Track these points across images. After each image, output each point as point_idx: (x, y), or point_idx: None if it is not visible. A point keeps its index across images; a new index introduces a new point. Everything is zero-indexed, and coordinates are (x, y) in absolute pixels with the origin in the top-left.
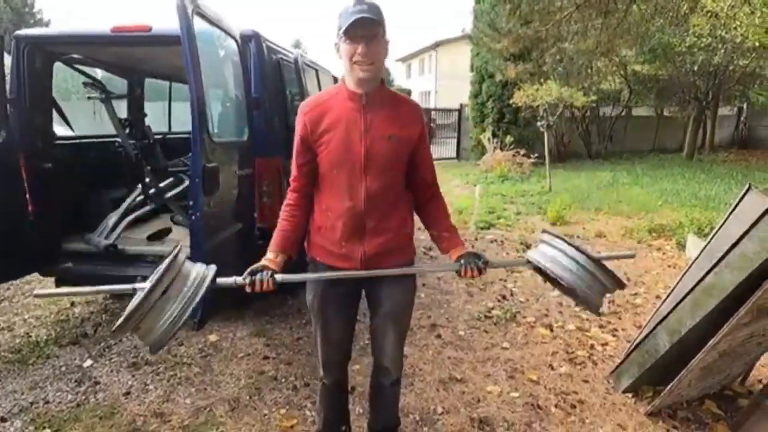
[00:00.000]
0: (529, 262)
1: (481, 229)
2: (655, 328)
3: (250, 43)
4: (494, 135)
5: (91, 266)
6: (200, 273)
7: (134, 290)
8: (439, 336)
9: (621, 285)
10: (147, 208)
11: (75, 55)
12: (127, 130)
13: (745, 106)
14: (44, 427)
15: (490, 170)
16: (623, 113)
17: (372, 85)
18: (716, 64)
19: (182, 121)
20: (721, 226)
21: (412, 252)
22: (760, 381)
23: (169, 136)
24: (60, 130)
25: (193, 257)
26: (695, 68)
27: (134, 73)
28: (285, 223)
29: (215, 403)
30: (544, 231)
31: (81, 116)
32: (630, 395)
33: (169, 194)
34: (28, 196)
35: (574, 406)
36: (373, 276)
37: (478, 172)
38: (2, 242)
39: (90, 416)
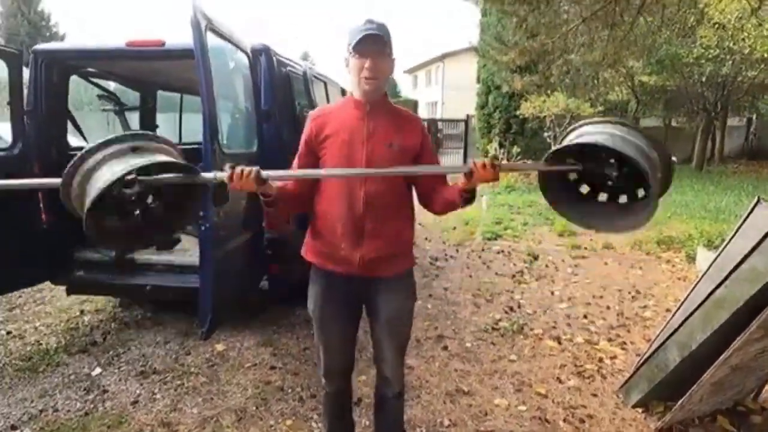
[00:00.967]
0: (552, 156)
1: (488, 239)
2: (665, 341)
3: (260, 56)
4: (501, 146)
5: (102, 275)
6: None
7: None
8: (445, 348)
9: (670, 170)
10: None
11: (90, 69)
12: None
13: (754, 116)
14: None
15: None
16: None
17: (376, 96)
18: (724, 74)
19: (193, 132)
20: (731, 239)
21: (411, 260)
22: None
23: (180, 146)
24: (74, 141)
25: (203, 266)
26: (703, 79)
27: (147, 86)
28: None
29: (222, 413)
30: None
31: (95, 127)
32: (640, 410)
33: None
34: (41, 205)
35: (582, 421)
36: (372, 175)
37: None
38: (16, 251)
39: (98, 425)
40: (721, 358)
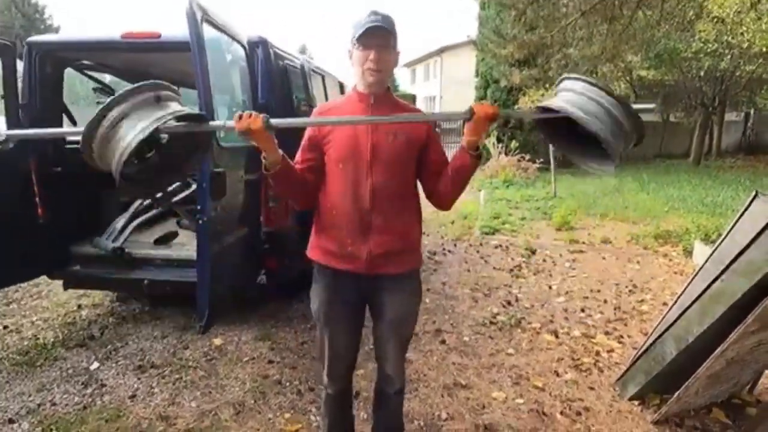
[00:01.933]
0: (545, 109)
1: (486, 234)
2: (661, 335)
3: (257, 49)
4: (499, 140)
5: (99, 269)
6: (178, 108)
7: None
8: (443, 342)
9: (641, 130)
10: (154, 212)
11: (85, 61)
12: None
13: (752, 111)
14: (51, 429)
15: (495, 175)
16: None
17: (380, 88)
18: (723, 69)
19: None
20: (728, 233)
21: (418, 259)
22: None
23: None
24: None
25: (200, 261)
26: (701, 74)
27: (143, 79)
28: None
29: (220, 407)
30: (565, 77)
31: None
32: (636, 403)
33: (177, 198)
34: (37, 199)
35: (579, 414)
36: (379, 122)
37: (482, 177)
38: (12, 245)
39: (96, 419)
40: (717, 351)
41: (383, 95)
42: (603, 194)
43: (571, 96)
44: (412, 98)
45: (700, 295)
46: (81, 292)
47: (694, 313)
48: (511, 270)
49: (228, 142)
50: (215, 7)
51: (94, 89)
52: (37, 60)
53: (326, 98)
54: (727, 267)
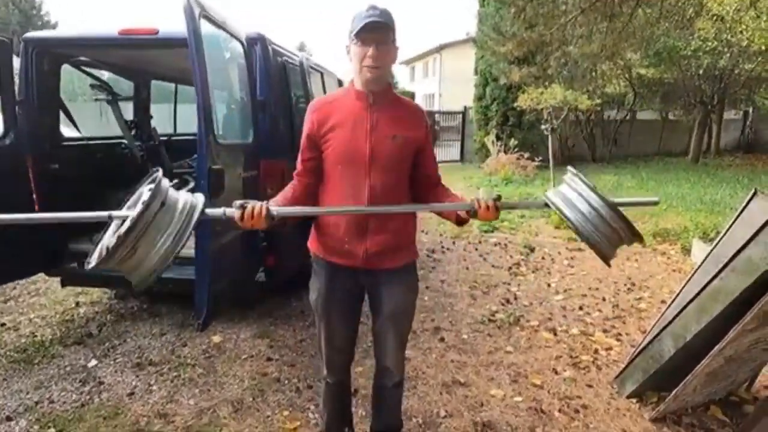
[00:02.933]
0: (546, 204)
1: (485, 232)
2: (660, 333)
3: (255, 45)
4: (498, 138)
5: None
6: (189, 201)
7: (110, 218)
8: (442, 339)
9: (639, 238)
10: None
11: (82, 58)
12: (134, 132)
13: (751, 110)
14: (49, 427)
15: (494, 173)
16: (628, 117)
17: (379, 86)
18: (722, 67)
19: (188, 123)
20: (727, 231)
21: (414, 253)
22: (766, 387)
23: (174, 137)
24: (67, 131)
25: (199, 258)
26: (700, 72)
27: (141, 76)
28: (288, 189)
29: (219, 405)
30: (568, 169)
31: (88, 118)
32: (634, 400)
33: None
34: (34, 196)
35: (577, 411)
36: (377, 212)
37: (481, 174)
38: (9, 242)
39: (94, 416)
40: (715, 349)
41: (382, 94)
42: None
43: (572, 195)
44: (411, 96)
45: (698, 293)
46: (79, 289)
47: (693, 311)
48: (510, 268)
49: (226, 139)
50: (213, 3)
51: (92, 86)
52: (34, 56)
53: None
54: (726, 265)
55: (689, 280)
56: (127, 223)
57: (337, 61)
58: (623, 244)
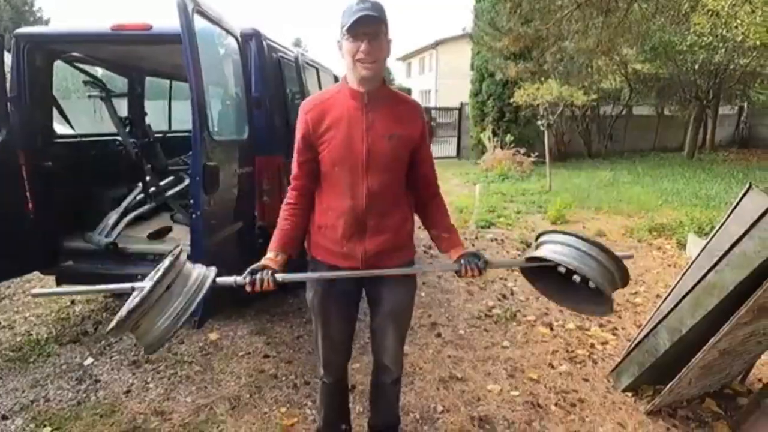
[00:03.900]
0: (529, 258)
1: (482, 227)
2: (655, 327)
3: (250, 41)
4: (494, 134)
5: (92, 264)
6: (201, 273)
7: (132, 289)
8: (439, 335)
9: (626, 276)
10: (147, 206)
11: (75, 54)
12: (128, 129)
13: (745, 105)
14: (45, 425)
15: (490, 169)
16: (624, 112)
17: (374, 83)
18: (717, 62)
19: (182, 120)
20: (721, 225)
21: (412, 251)
22: (760, 380)
23: (169, 134)
24: (60, 128)
25: (194, 255)
26: (696, 67)
27: (134, 72)
28: (285, 222)
29: (216, 402)
30: (539, 235)
31: (81, 115)
32: (630, 394)
33: (170, 193)
34: (28, 194)
35: (574, 405)
36: (373, 276)
37: (478, 170)
38: (2, 241)
39: (90, 414)
40: (710, 342)
41: (378, 91)
42: (597, 188)
43: (556, 247)
44: (408, 92)
45: (693, 287)
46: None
47: (688, 305)
48: None
49: (221, 135)
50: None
51: (85, 83)
52: (26, 52)
53: None
54: (720, 259)
55: (684, 274)
56: (137, 300)
57: (332, 56)
58: (616, 287)
